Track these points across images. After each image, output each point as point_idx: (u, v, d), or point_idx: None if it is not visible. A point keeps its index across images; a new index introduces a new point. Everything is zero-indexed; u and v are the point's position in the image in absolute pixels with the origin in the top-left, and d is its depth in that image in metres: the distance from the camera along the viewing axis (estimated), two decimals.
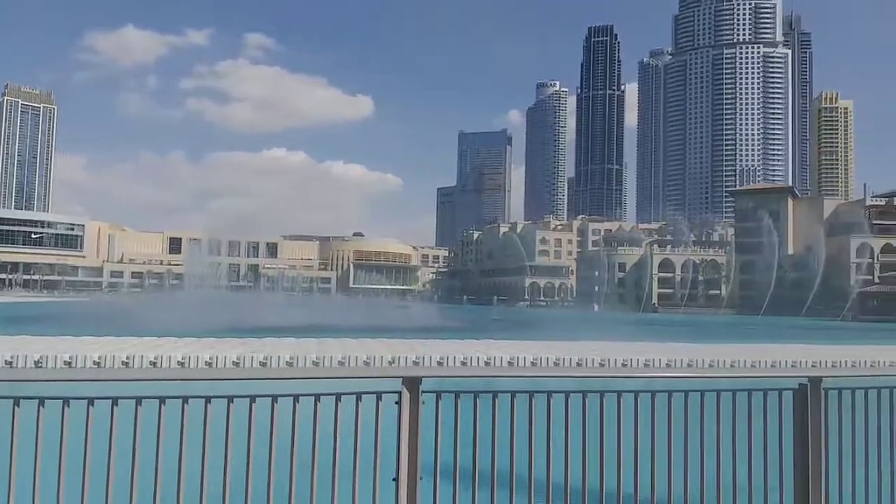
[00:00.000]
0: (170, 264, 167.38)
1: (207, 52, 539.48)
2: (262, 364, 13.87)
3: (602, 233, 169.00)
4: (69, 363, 12.85)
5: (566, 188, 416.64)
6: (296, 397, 3.77)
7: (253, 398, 3.71)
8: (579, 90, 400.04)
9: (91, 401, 3.56)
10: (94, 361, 12.99)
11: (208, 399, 3.65)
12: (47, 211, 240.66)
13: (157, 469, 3.60)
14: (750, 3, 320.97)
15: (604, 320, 70.47)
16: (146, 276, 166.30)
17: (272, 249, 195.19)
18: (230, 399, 3.68)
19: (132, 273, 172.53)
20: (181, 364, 13.30)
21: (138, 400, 3.57)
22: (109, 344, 16.09)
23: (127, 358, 13.25)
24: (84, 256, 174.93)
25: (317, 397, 3.80)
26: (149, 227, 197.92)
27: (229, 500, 3.68)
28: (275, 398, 3.73)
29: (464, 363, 15.96)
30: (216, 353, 14.21)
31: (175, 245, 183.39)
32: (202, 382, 3.89)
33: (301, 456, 3.75)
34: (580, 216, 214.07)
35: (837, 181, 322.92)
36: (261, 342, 17.69)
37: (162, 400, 3.59)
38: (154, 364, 13.09)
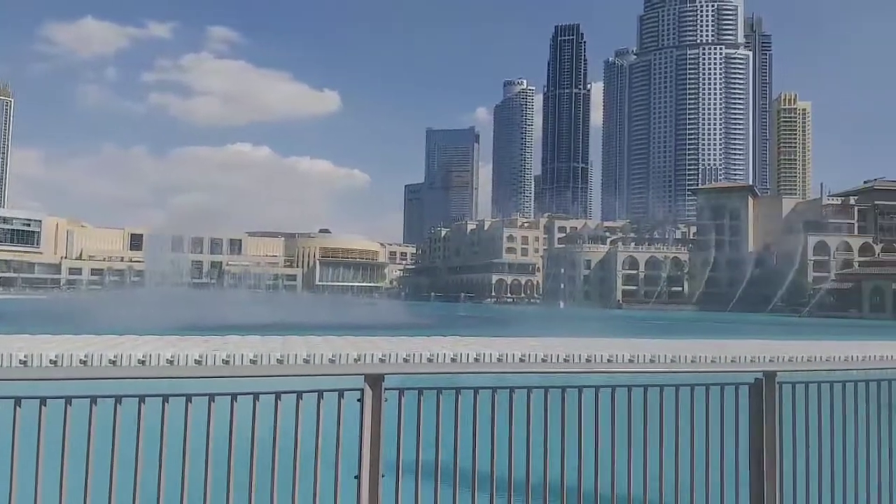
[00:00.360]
0: (131, 261, 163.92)
1: (170, 45, 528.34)
2: (225, 362, 13.69)
3: (568, 230, 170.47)
4: (24, 362, 12.52)
5: (533, 186, 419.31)
6: (256, 395, 3.72)
7: (212, 397, 3.65)
8: (546, 88, 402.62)
9: (44, 400, 3.47)
10: (50, 360, 12.68)
11: (166, 398, 3.59)
12: (3, 206, 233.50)
13: (112, 469, 3.52)
14: (712, 5, 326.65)
15: (569, 317, 71.19)
16: (106, 273, 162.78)
17: (236, 246, 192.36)
18: (188, 398, 3.62)
19: (92, 270, 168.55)
20: (141, 362, 13.06)
21: (93, 399, 3.49)
22: (67, 342, 15.72)
23: (85, 356, 12.96)
24: (41, 252, 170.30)
25: (277, 395, 3.76)
26: (109, 223, 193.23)
27: (187, 500, 3.62)
28: (234, 396, 3.68)
29: (430, 360, 15.98)
30: (178, 351, 13.99)
31: (136, 241, 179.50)
32: (162, 381, 3.83)
33: (261, 454, 3.71)
34: (547, 214, 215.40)
35: (796, 180, 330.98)
36: (224, 340, 17.46)
37: (118, 399, 3.52)
38: (113, 362, 12.82)
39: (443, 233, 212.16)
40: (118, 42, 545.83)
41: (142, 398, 3.55)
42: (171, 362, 13.28)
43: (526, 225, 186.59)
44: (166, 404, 3.59)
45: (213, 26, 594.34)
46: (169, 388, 3.67)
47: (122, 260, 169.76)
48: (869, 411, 5.07)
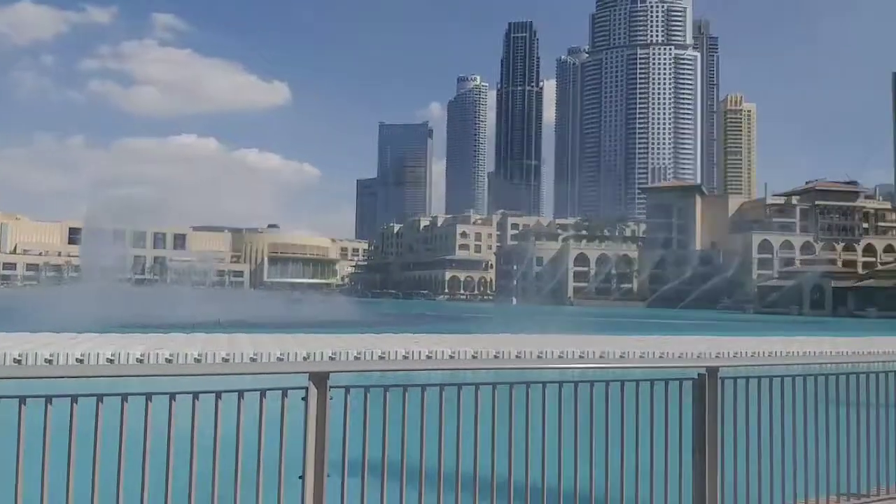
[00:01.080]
0: (69, 256, 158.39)
1: (111, 32, 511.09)
2: (168, 360, 13.34)
3: (521, 227, 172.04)
4: None
5: (486, 182, 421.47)
6: (195, 395, 3.60)
7: (149, 396, 3.52)
8: (499, 85, 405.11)
9: None
10: None
11: (100, 397, 3.44)
12: None
13: (42, 472, 3.37)
14: (662, 6, 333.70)
15: (522, 313, 71.82)
16: (42, 268, 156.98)
17: (180, 241, 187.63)
18: (124, 397, 3.48)
19: (27, 265, 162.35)
20: (79, 361, 12.62)
21: (23, 399, 3.33)
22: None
23: (19, 355, 12.45)
24: None
25: (218, 394, 3.64)
26: (46, 217, 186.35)
27: (123, 502, 3.48)
28: (173, 396, 3.55)
29: (382, 357, 15.89)
30: (118, 349, 13.57)
31: (75, 236, 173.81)
32: (98, 380, 3.67)
33: (202, 455, 3.60)
34: (500, 210, 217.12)
35: (741, 180, 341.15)
36: (168, 338, 17.02)
37: (48, 399, 3.36)
38: (49, 361, 12.36)
39: (396, 229, 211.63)
40: (56, 27, 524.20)
41: (74, 398, 3.40)
42: (111, 361, 12.87)
43: (479, 221, 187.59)
44: (101, 404, 3.44)
45: (158, 13, 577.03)
46: (106, 388, 3.53)
47: (59, 255, 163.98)
48: (806, 404, 5.23)
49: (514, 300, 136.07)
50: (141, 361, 13.01)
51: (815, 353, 19.66)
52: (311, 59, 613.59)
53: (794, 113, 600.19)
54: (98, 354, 12.88)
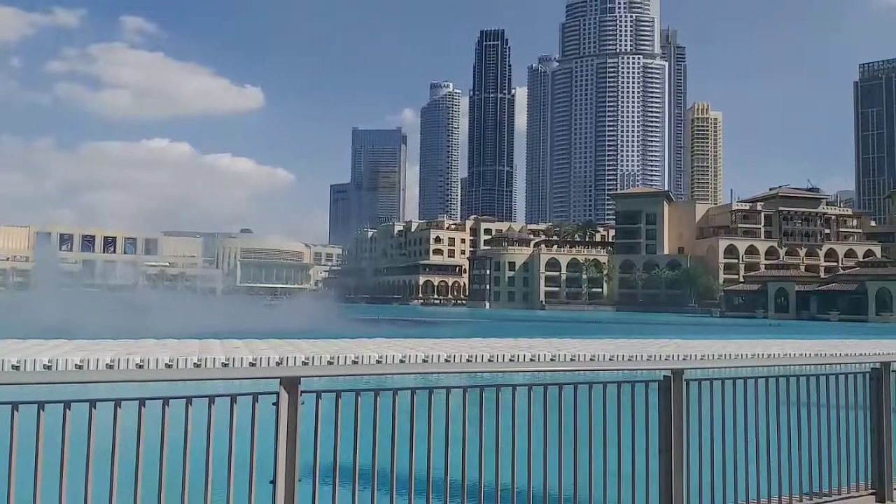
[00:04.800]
0: (37, 261, 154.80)
1: (78, 34, 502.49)
2: (139, 366, 13.15)
3: (494, 232, 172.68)
4: None
5: (459, 188, 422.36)
6: (166, 400, 3.59)
7: (118, 402, 3.50)
8: (472, 92, 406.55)
9: None
10: None
11: (67, 404, 3.41)
12: None
13: (9, 480, 3.32)
14: (631, 16, 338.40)
15: (494, 317, 72.03)
16: (10, 273, 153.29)
17: (152, 246, 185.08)
18: (93, 403, 3.45)
19: None
20: (47, 367, 12.38)
21: None
22: None
23: None
24: None
25: (188, 400, 3.63)
26: (13, 221, 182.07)
27: None
28: (143, 402, 3.53)
29: (355, 362, 15.83)
30: (88, 355, 13.33)
31: (44, 240, 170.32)
32: (66, 386, 3.63)
33: (171, 461, 3.58)
34: (473, 216, 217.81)
35: (708, 186, 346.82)
36: (138, 344, 16.76)
37: (15, 406, 3.32)
38: (16, 367, 12.10)
39: (369, 234, 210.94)
40: (22, 29, 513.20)
41: (41, 405, 3.36)
42: (79, 367, 12.64)
43: (453, 227, 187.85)
44: (68, 410, 3.41)
45: (127, 16, 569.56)
46: (74, 394, 3.50)
47: (27, 260, 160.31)
48: (768, 405, 5.36)
49: (488, 305, 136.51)
50: (111, 367, 12.81)
51: (779, 355, 20.07)
52: (285, 64, 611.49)
53: (760, 121, 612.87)
54: (66, 360, 12.65)
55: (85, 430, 3.42)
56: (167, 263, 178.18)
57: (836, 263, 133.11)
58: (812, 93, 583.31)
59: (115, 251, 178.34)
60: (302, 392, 3.89)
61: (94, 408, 3.45)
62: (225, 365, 13.92)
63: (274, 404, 3.83)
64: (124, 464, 3.50)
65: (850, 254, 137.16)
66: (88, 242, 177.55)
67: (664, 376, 4.94)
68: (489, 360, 17.22)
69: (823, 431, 5.60)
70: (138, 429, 3.52)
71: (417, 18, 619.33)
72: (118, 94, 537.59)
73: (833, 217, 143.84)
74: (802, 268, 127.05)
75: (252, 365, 14.16)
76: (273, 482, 3.79)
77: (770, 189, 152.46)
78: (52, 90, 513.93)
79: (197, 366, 13.60)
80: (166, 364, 13.42)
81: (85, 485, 3.44)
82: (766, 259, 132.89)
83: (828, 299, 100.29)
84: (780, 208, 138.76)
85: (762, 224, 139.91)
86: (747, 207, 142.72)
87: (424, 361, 16.73)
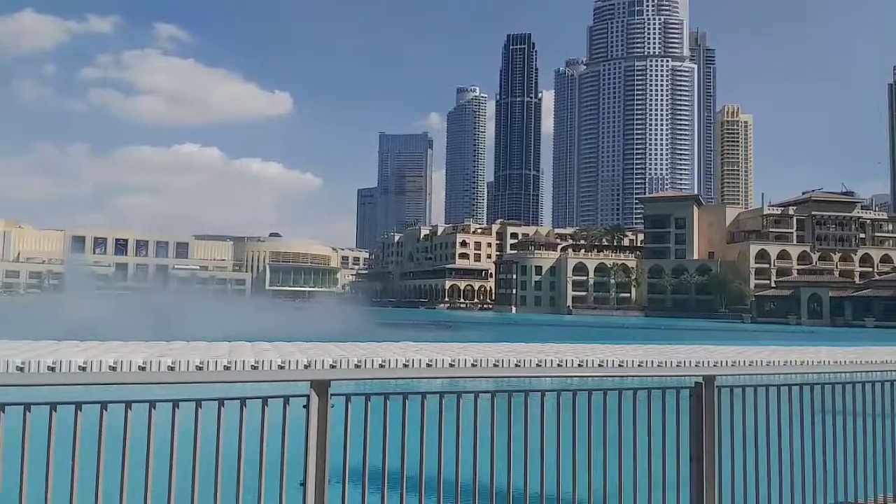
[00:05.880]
0: (72, 264, 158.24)
1: (112, 41, 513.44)
2: (170, 368, 13.35)
3: (520, 236, 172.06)
4: None
5: (486, 192, 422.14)
6: (198, 402, 3.64)
7: (153, 403, 3.56)
8: (498, 96, 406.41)
9: None
10: None
11: (104, 405, 3.48)
12: None
13: (47, 478, 3.40)
14: (659, 19, 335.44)
15: (521, 321, 71.75)
16: (46, 276, 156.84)
17: (183, 249, 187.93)
18: (128, 404, 3.52)
19: (30, 273, 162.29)
20: (82, 368, 12.63)
21: (27, 406, 3.37)
22: (2, 348, 15.09)
23: (22, 363, 12.46)
24: None
25: (221, 402, 3.68)
26: (48, 225, 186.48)
27: None
28: (176, 403, 3.59)
29: (382, 365, 15.90)
30: (121, 357, 13.57)
31: (78, 243, 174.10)
32: (102, 388, 3.71)
33: (204, 462, 3.63)
34: (499, 220, 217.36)
35: (738, 190, 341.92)
36: (169, 346, 17.01)
37: (53, 406, 3.40)
38: (52, 369, 12.37)
39: (396, 238, 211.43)
40: (58, 37, 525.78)
41: (79, 405, 3.44)
42: (113, 368, 12.88)
43: (479, 231, 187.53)
44: (105, 411, 3.48)
45: (160, 23, 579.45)
46: (109, 395, 3.57)
47: (62, 263, 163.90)
48: (803, 413, 5.26)
49: (514, 309, 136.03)
50: (143, 369, 13.03)
51: (812, 362, 19.68)
52: (313, 70, 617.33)
53: (792, 124, 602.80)
54: (100, 362, 12.90)
55: (120, 431, 3.49)
56: (198, 267, 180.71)
57: (871, 269, 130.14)
58: (845, 94, 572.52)
59: (146, 254, 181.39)
60: (332, 395, 3.92)
61: (130, 409, 3.52)
62: (254, 367, 14.07)
63: (304, 407, 3.86)
64: (159, 463, 3.56)
65: (885, 259, 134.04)
66: (121, 246, 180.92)
67: (696, 383, 4.88)
68: (516, 365, 17.17)
69: (859, 440, 5.49)
70: (172, 430, 3.58)
71: (444, 23, 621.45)
72: (150, 100, 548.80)
73: (868, 221, 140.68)
74: (836, 273, 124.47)
75: (281, 367, 14.29)
76: (303, 484, 3.83)
77: (803, 193, 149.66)
78: (85, 96, 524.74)
79: (227, 368, 13.77)
80: (197, 366, 13.61)
81: (120, 485, 3.51)
82: (798, 264, 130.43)
83: (863, 305, 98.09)
84: (814, 212, 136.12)
85: (794, 228, 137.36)
86: (779, 211, 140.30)
87: (451, 366, 16.74)
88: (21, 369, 12.37)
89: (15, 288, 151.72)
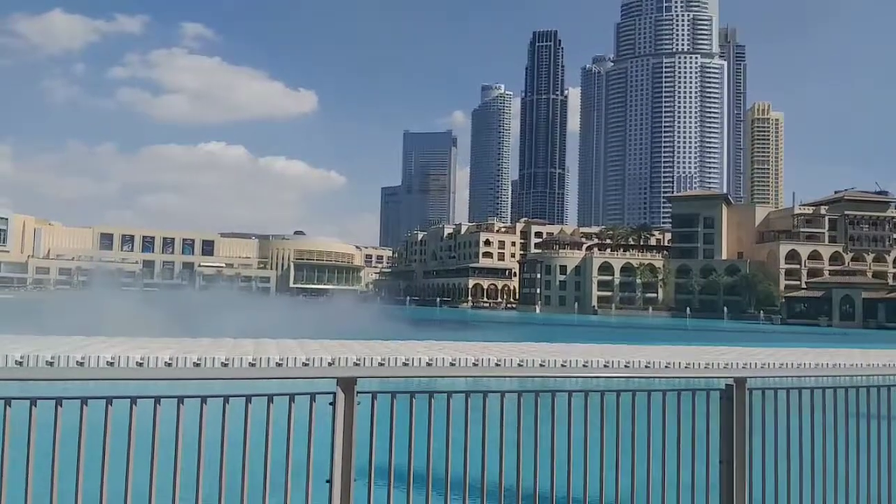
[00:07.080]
0: (101, 261, 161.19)
1: (140, 41, 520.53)
2: (196, 365, 13.51)
3: (545, 235, 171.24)
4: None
5: (510, 190, 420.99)
6: (226, 398, 3.66)
7: (181, 399, 3.59)
8: (524, 94, 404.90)
9: (8, 401, 3.39)
10: (16, 361, 12.41)
11: (134, 400, 3.51)
12: None
13: (77, 473, 3.45)
14: (688, 15, 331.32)
15: (545, 321, 71.47)
16: (75, 273, 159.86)
17: (208, 247, 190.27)
18: (157, 400, 3.55)
19: (60, 269, 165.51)
20: (110, 364, 12.83)
21: (58, 401, 3.41)
22: (33, 343, 15.39)
23: (52, 358, 12.70)
24: (8, 251, 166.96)
25: (248, 398, 3.70)
26: (77, 222, 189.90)
27: None
28: (204, 399, 3.62)
29: (405, 364, 15.92)
30: (148, 353, 13.76)
31: (106, 241, 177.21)
32: (130, 383, 3.75)
33: (231, 458, 3.65)
34: (524, 219, 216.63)
35: (768, 189, 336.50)
36: (195, 342, 17.22)
37: (84, 401, 3.44)
38: (81, 364, 12.58)
39: (419, 236, 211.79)
40: (87, 36, 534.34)
41: (109, 400, 3.48)
42: (140, 364, 13.06)
43: (503, 230, 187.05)
44: (134, 407, 3.51)
45: (187, 22, 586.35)
46: (137, 391, 3.60)
47: (91, 259, 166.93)
48: (836, 418, 5.15)
49: (538, 309, 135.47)
50: (169, 365, 13.20)
51: (845, 365, 19.30)
52: (338, 68, 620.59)
53: (824, 122, 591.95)
54: (128, 358, 13.09)
55: (149, 426, 3.52)
56: (223, 264, 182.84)
57: None
58: (879, 92, 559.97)
59: (173, 252, 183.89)
60: (358, 393, 3.92)
61: (159, 404, 3.55)
62: (279, 364, 14.17)
63: (331, 404, 3.86)
64: (187, 460, 3.59)
65: None
66: (148, 243, 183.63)
67: (726, 385, 4.80)
68: (541, 365, 17.08)
69: (894, 446, 5.36)
70: (200, 426, 3.61)
71: (469, 21, 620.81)
72: (177, 99, 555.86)
73: None
74: (869, 274, 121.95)
75: (305, 365, 14.38)
76: (329, 481, 3.83)
77: (835, 192, 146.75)
78: (114, 95, 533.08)
79: (252, 365, 13.89)
80: (223, 363, 13.74)
81: (150, 479, 3.54)
82: (830, 265, 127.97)
83: None
84: (846, 212, 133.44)
85: (826, 228, 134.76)
86: (810, 211, 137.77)
87: (475, 365, 16.71)
88: (51, 364, 12.61)
89: (45, 284, 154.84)
